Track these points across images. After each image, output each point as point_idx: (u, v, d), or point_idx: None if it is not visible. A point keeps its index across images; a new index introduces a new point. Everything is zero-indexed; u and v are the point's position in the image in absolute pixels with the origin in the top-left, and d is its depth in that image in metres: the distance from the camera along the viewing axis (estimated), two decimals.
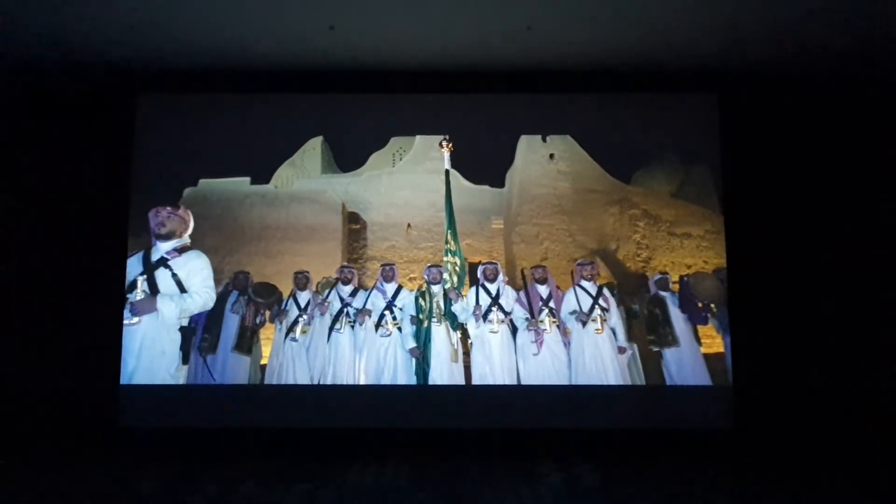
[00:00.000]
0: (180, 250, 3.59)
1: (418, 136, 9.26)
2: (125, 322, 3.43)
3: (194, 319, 3.66)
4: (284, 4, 3.99)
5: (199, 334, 4.29)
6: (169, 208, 3.64)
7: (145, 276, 3.47)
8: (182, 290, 3.48)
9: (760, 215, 4.76)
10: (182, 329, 3.52)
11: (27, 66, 4.69)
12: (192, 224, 3.72)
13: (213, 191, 8.46)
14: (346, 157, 9.73)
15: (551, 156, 8.67)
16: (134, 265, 3.52)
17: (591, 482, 3.92)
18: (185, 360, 3.61)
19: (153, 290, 3.43)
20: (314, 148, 9.51)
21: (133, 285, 3.46)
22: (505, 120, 6.06)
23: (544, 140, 8.56)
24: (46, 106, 4.89)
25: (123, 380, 3.50)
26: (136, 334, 3.40)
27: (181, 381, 3.63)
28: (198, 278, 3.54)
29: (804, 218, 4.75)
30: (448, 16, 4.14)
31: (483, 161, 8.25)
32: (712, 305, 4.98)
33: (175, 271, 3.50)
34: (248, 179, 8.78)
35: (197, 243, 7.20)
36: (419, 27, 4.19)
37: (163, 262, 3.51)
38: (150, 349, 3.39)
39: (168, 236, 3.57)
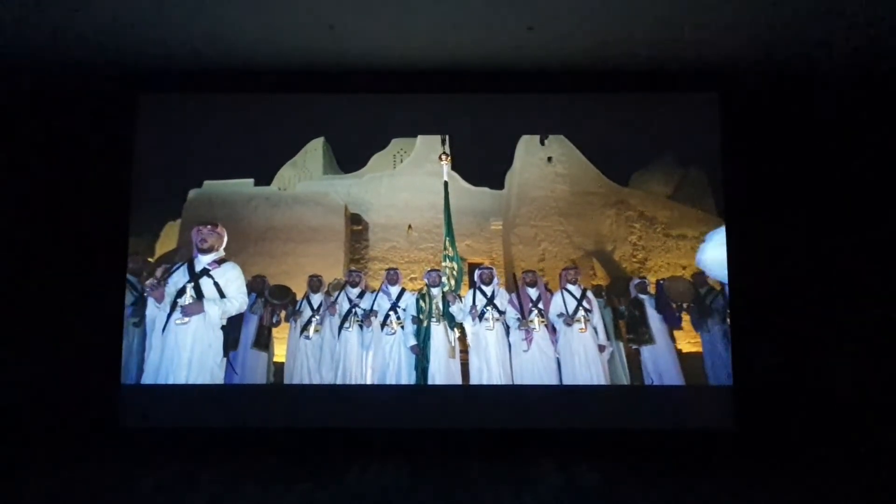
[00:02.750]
0: (219, 262, 4.15)
1: (419, 139, 9.26)
2: (177, 322, 3.97)
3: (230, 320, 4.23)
4: (284, 4, 4.01)
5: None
6: (209, 227, 4.19)
7: (193, 284, 4.04)
8: (221, 295, 4.07)
9: (761, 216, 4.74)
10: (223, 328, 4.11)
11: (27, 66, 4.73)
12: (226, 239, 4.28)
13: (217, 193, 8.54)
14: (348, 158, 9.68)
15: (549, 159, 8.68)
16: (181, 274, 4.09)
17: (592, 482, 3.91)
18: (225, 353, 4.18)
19: (199, 295, 4.02)
20: (316, 149, 9.57)
21: (182, 291, 4.02)
22: (505, 120, 6.04)
23: (542, 143, 8.48)
24: (47, 106, 4.79)
25: (179, 370, 3.93)
26: (187, 332, 3.95)
27: (223, 370, 4.16)
28: (234, 286, 4.13)
29: (805, 218, 4.80)
30: (448, 16, 4.18)
31: (483, 162, 8.24)
32: (685, 305, 5.38)
33: (216, 280, 4.07)
34: (251, 181, 8.72)
35: None
36: (419, 27, 4.32)
37: (205, 272, 4.08)
38: (201, 344, 3.96)
39: (209, 250, 4.14)
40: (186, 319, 3.95)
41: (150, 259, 6.43)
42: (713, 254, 3.51)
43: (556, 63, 4.88)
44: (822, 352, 4.74)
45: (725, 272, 3.55)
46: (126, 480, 3.93)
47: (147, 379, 4.00)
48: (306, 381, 5.45)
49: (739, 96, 4.94)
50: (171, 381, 3.90)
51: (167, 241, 7.97)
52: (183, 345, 3.93)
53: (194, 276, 4.07)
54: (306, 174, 9.49)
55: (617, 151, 7.62)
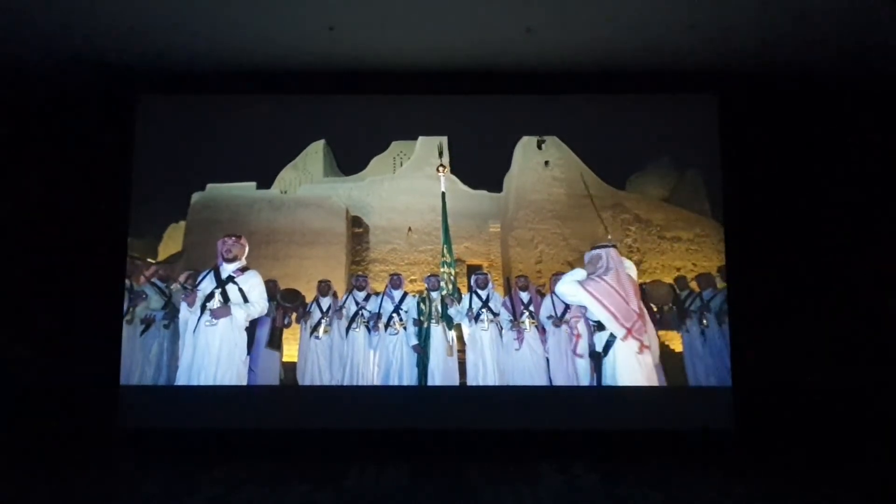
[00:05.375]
0: (242, 270, 4.56)
1: (418, 142, 9.22)
2: (206, 323, 4.35)
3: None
4: (284, 5, 4.08)
5: None
6: (233, 238, 4.61)
7: (220, 290, 4.44)
8: (245, 299, 4.49)
9: (760, 217, 4.80)
10: (246, 329, 4.54)
11: (27, 66, 4.78)
12: (247, 249, 4.71)
13: (221, 196, 8.55)
14: (348, 160, 9.64)
15: (546, 163, 8.62)
16: (209, 281, 4.51)
17: (591, 483, 3.93)
18: (248, 351, 4.63)
19: (225, 300, 4.43)
20: (316, 151, 9.57)
21: (211, 296, 4.42)
22: (503, 122, 6.04)
23: (540, 147, 8.40)
24: (47, 106, 4.74)
25: (210, 366, 4.27)
26: (215, 333, 4.36)
27: (248, 366, 4.58)
28: (256, 291, 4.56)
29: (804, 219, 4.92)
30: (448, 17, 4.47)
31: (482, 165, 8.20)
32: (665, 308, 5.67)
33: (241, 286, 4.49)
34: (253, 184, 8.67)
35: (207, 247, 7.10)
36: (419, 28, 4.48)
37: (231, 279, 4.49)
38: (228, 343, 4.37)
39: (233, 259, 4.55)
40: (215, 321, 4.37)
41: (150, 260, 6.33)
42: (562, 288, 4.30)
43: (554, 65, 5.12)
44: (822, 352, 4.90)
45: (574, 300, 4.32)
46: (126, 481, 3.95)
47: (181, 375, 4.37)
48: (317, 379, 5.76)
49: (738, 98, 4.93)
50: (202, 377, 4.27)
51: (170, 242, 7.92)
52: (212, 344, 4.36)
53: (221, 283, 4.49)
54: (307, 177, 9.48)
55: (614, 154, 7.58)
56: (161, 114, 5.13)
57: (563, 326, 5.51)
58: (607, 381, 4.15)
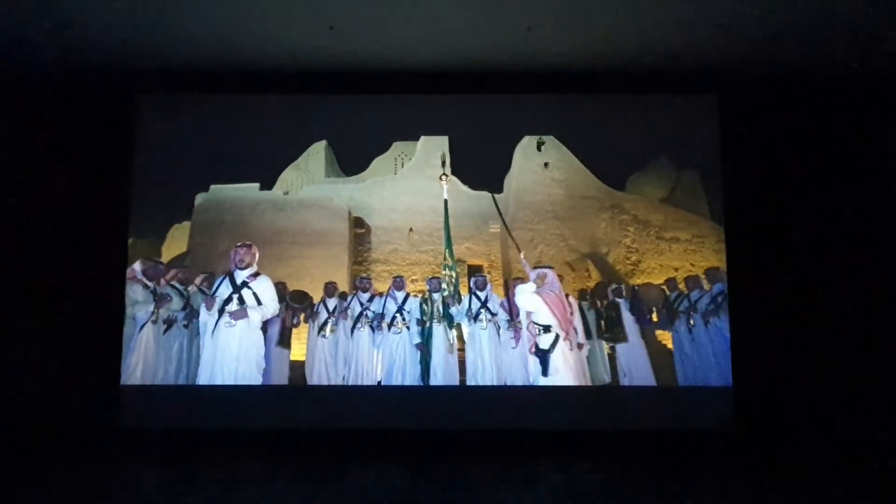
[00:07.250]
0: (255, 275, 4.89)
1: (420, 142, 9.13)
2: (225, 325, 4.65)
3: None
4: (284, 4, 4.07)
5: None
6: (245, 248, 4.92)
7: (237, 294, 4.77)
8: (258, 302, 4.82)
9: (760, 217, 4.88)
10: (262, 329, 4.88)
11: (27, 67, 4.75)
12: (257, 255, 5.02)
13: (225, 197, 8.63)
14: (349, 161, 9.56)
15: (546, 164, 8.57)
16: (225, 286, 4.84)
17: (591, 482, 3.91)
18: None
19: (241, 303, 4.77)
20: (318, 152, 9.54)
21: (229, 300, 4.75)
22: (504, 122, 5.95)
23: (539, 149, 8.35)
24: (47, 106, 4.92)
25: (230, 363, 4.53)
26: (234, 333, 4.67)
27: (263, 363, 4.83)
28: (268, 294, 4.90)
29: (804, 219, 4.94)
30: (448, 17, 4.24)
31: (483, 165, 8.12)
32: (654, 309, 6.00)
33: (254, 290, 4.83)
34: (256, 185, 8.63)
35: (212, 247, 6.97)
36: (419, 28, 4.63)
37: (245, 284, 4.83)
38: (246, 342, 4.69)
39: (246, 266, 4.88)
40: (234, 323, 4.72)
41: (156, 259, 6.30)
42: (524, 298, 5.01)
43: (554, 65, 5.04)
44: (822, 352, 4.85)
45: (530, 307, 5.00)
46: (126, 481, 3.99)
47: (203, 372, 4.65)
48: (323, 376, 6.03)
49: (738, 98, 4.95)
50: (225, 373, 4.56)
51: (174, 243, 7.88)
52: (231, 343, 4.71)
53: (236, 288, 4.84)
54: (309, 177, 9.46)
55: (614, 154, 7.52)
56: (161, 114, 5.15)
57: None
58: (551, 371, 4.82)
